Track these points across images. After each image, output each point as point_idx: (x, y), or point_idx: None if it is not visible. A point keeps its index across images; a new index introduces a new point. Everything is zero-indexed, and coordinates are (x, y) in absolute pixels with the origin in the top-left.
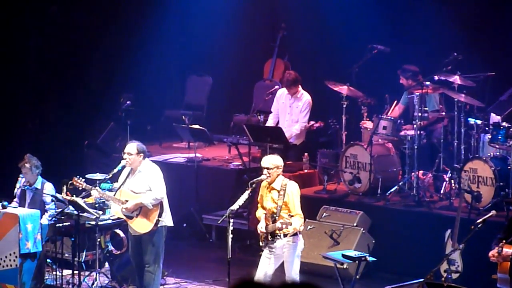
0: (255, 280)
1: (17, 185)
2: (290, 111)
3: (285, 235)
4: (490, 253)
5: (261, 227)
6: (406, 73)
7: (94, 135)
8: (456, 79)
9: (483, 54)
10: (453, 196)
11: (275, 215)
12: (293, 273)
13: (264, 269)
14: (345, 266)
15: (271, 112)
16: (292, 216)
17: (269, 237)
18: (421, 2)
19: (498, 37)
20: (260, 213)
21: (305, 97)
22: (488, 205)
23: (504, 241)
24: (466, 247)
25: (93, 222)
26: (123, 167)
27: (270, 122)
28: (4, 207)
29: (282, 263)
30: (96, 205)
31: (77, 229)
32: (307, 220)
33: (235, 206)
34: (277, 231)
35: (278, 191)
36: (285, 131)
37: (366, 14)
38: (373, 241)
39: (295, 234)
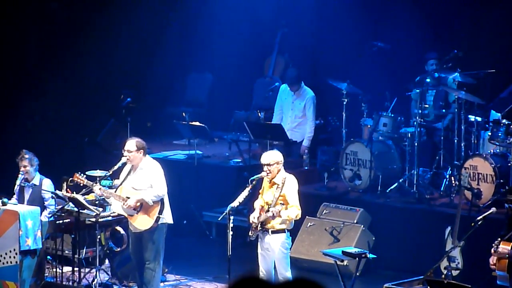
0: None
1: (17, 182)
2: (293, 107)
3: (273, 232)
4: (490, 260)
5: (253, 217)
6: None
7: (95, 132)
8: (457, 76)
9: (483, 51)
10: (453, 193)
11: (269, 206)
12: (284, 270)
13: (263, 265)
14: (345, 263)
15: (271, 109)
16: (289, 208)
17: (259, 227)
18: None
19: (498, 34)
20: (257, 204)
21: (308, 94)
22: (488, 202)
23: (499, 238)
24: (466, 244)
25: (93, 219)
26: (124, 164)
27: (276, 119)
28: (4, 204)
29: None
30: (96, 202)
31: (77, 226)
32: (307, 217)
33: (235, 203)
34: (267, 224)
35: (278, 185)
36: (288, 127)
37: (366, 11)
38: (373, 238)
39: (282, 231)
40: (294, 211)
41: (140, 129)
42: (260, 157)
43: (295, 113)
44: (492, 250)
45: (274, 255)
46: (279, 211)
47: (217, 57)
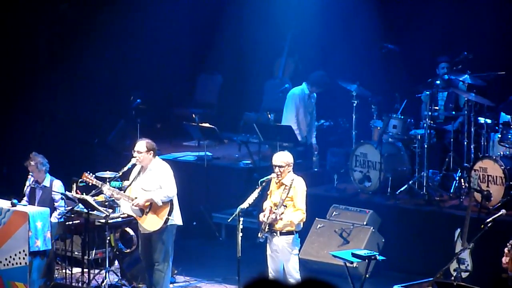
0: (269, 278)
1: (27, 183)
2: (314, 109)
3: (281, 233)
4: (503, 260)
5: (263, 215)
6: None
7: (104, 133)
8: (466, 78)
9: (493, 53)
10: (463, 195)
11: (276, 208)
12: (293, 271)
13: (272, 267)
14: (355, 265)
15: (281, 110)
16: (294, 211)
17: (267, 228)
18: (432, 1)
19: (508, 36)
20: (266, 204)
21: (315, 95)
22: (498, 204)
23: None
24: (476, 246)
25: (103, 220)
26: (133, 165)
27: (295, 122)
28: (14, 205)
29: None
30: (106, 203)
31: (87, 227)
32: (317, 218)
33: (245, 205)
34: (276, 226)
35: (285, 186)
36: (314, 129)
37: (376, 13)
38: (383, 240)
39: (290, 233)
40: (298, 215)
41: (150, 131)
42: (270, 159)
43: (313, 114)
44: (506, 250)
45: (283, 256)
46: (281, 214)
47: (226, 59)
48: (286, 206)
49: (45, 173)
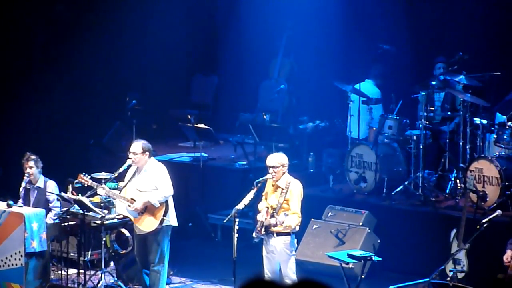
0: (265, 279)
1: (22, 185)
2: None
3: (278, 234)
4: (505, 258)
5: (261, 215)
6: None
7: (100, 134)
8: (462, 78)
9: (489, 53)
10: (459, 195)
11: (274, 211)
12: (290, 272)
13: (268, 268)
14: (350, 266)
15: (277, 111)
16: (289, 214)
17: (263, 230)
18: (427, 1)
19: (504, 37)
20: (262, 206)
21: None
22: (493, 205)
23: None
24: (472, 247)
25: (99, 221)
26: (129, 166)
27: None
28: (9, 206)
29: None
30: (102, 204)
31: (82, 228)
32: (312, 219)
33: (240, 205)
34: (271, 228)
35: (282, 189)
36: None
37: (372, 13)
38: (379, 241)
39: (287, 234)
40: (294, 219)
41: (145, 131)
42: (265, 159)
43: None
44: (510, 250)
45: (279, 257)
46: (282, 222)
47: (222, 59)
48: (287, 214)
49: (39, 174)
